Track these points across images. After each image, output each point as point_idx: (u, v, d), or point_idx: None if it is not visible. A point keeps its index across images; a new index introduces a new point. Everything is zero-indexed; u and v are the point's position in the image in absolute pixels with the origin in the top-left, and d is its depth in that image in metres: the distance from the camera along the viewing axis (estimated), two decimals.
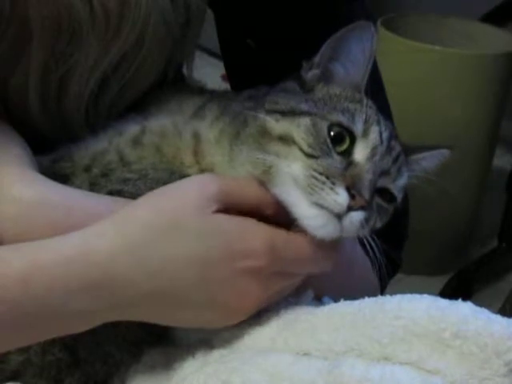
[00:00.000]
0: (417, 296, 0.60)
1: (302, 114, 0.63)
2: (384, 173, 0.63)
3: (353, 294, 0.64)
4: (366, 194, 0.59)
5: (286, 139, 0.62)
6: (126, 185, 0.65)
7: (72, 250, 0.58)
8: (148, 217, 0.59)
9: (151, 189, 0.64)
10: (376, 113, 0.66)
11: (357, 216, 0.59)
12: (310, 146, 0.61)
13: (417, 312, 0.58)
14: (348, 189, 0.59)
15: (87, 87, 0.69)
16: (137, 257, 0.58)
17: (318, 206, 0.59)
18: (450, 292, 1.94)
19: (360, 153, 0.62)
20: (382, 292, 0.83)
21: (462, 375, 0.55)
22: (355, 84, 0.67)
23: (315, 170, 0.60)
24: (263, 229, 0.60)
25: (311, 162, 0.61)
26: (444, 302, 0.59)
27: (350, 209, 0.59)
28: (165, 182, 0.65)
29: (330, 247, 0.62)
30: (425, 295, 0.60)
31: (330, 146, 0.62)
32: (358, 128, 0.63)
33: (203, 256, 0.58)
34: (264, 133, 0.63)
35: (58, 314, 0.58)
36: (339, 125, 0.63)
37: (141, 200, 0.61)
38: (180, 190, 0.60)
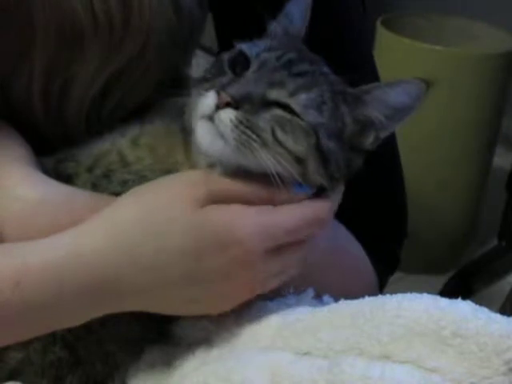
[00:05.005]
0: (417, 295, 0.60)
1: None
2: (275, 84, 0.61)
3: (344, 287, 0.64)
4: (232, 90, 0.59)
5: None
6: (126, 187, 0.65)
7: (62, 252, 0.59)
8: (137, 214, 0.60)
9: None
10: (291, 51, 0.65)
11: (225, 114, 0.59)
12: (209, 72, 0.64)
13: (417, 311, 0.58)
14: (218, 92, 0.60)
15: (89, 93, 0.69)
16: (128, 254, 0.59)
17: (199, 118, 0.60)
18: (450, 291, 1.94)
19: (250, 69, 0.62)
20: (381, 290, 0.83)
21: (462, 374, 0.55)
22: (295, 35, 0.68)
23: (203, 88, 0.61)
24: (250, 213, 0.60)
25: (205, 84, 0.62)
26: (444, 301, 0.59)
27: (218, 108, 0.59)
28: None
29: (315, 210, 0.62)
30: (425, 294, 0.60)
31: (227, 67, 0.63)
32: (253, 52, 0.63)
33: (193, 248, 0.59)
34: None
35: (50, 312, 0.59)
36: (240, 52, 0.63)
37: (128, 197, 0.62)
38: (168, 188, 0.61)
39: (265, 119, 0.60)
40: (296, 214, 0.62)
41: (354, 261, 0.79)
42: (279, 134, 0.60)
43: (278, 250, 0.62)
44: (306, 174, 0.61)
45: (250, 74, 0.61)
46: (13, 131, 0.69)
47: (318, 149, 0.61)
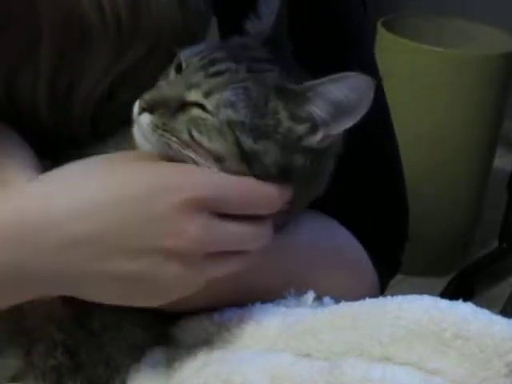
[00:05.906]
0: (417, 297, 0.60)
1: None
2: (193, 86, 0.61)
3: (344, 288, 0.63)
4: (145, 97, 0.61)
5: None
6: None
7: (8, 209, 0.59)
8: (82, 165, 0.62)
9: None
10: (231, 50, 0.64)
11: (143, 119, 0.61)
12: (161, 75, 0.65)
13: (417, 312, 0.58)
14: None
15: (95, 93, 0.69)
16: (70, 198, 0.59)
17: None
18: (451, 293, 1.94)
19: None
20: (382, 293, 0.83)
21: (463, 376, 0.55)
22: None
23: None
24: (202, 168, 0.60)
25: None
26: (445, 303, 0.59)
27: (139, 114, 0.61)
28: None
29: (267, 186, 0.61)
30: (425, 296, 0.60)
31: (172, 71, 0.64)
32: (185, 56, 0.63)
33: (136, 193, 0.59)
34: None
35: (14, 272, 0.58)
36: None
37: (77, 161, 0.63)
38: (123, 154, 0.64)
39: (181, 121, 0.61)
40: (248, 182, 0.61)
41: (355, 262, 0.79)
42: (195, 134, 0.60)
43: (227, 219, 0.60)
44: (227, 172, 0.61)
45: (176, 77, 0.63)
46: (15, 134, 0.68)
47: (239, 148, 0.60)
